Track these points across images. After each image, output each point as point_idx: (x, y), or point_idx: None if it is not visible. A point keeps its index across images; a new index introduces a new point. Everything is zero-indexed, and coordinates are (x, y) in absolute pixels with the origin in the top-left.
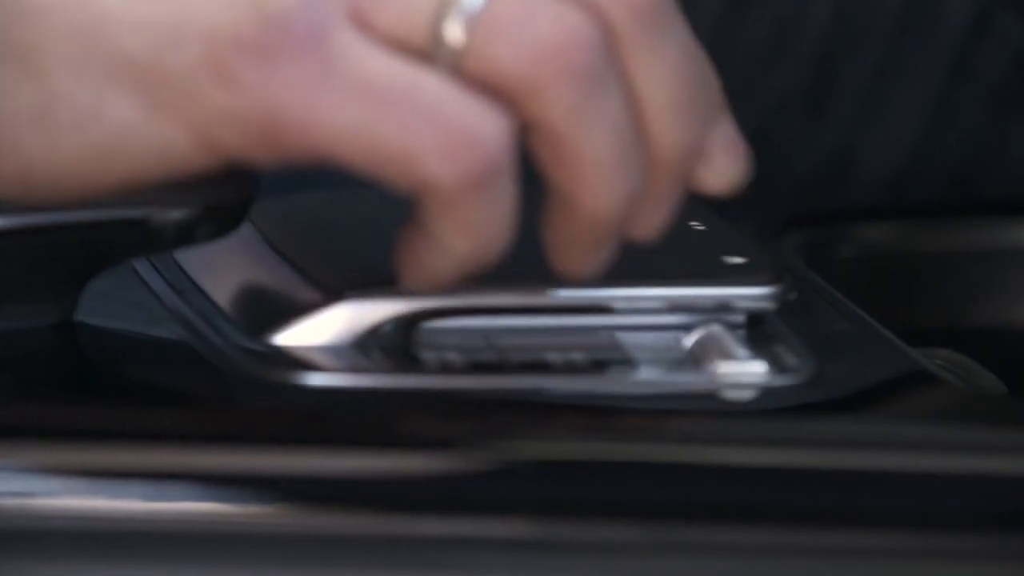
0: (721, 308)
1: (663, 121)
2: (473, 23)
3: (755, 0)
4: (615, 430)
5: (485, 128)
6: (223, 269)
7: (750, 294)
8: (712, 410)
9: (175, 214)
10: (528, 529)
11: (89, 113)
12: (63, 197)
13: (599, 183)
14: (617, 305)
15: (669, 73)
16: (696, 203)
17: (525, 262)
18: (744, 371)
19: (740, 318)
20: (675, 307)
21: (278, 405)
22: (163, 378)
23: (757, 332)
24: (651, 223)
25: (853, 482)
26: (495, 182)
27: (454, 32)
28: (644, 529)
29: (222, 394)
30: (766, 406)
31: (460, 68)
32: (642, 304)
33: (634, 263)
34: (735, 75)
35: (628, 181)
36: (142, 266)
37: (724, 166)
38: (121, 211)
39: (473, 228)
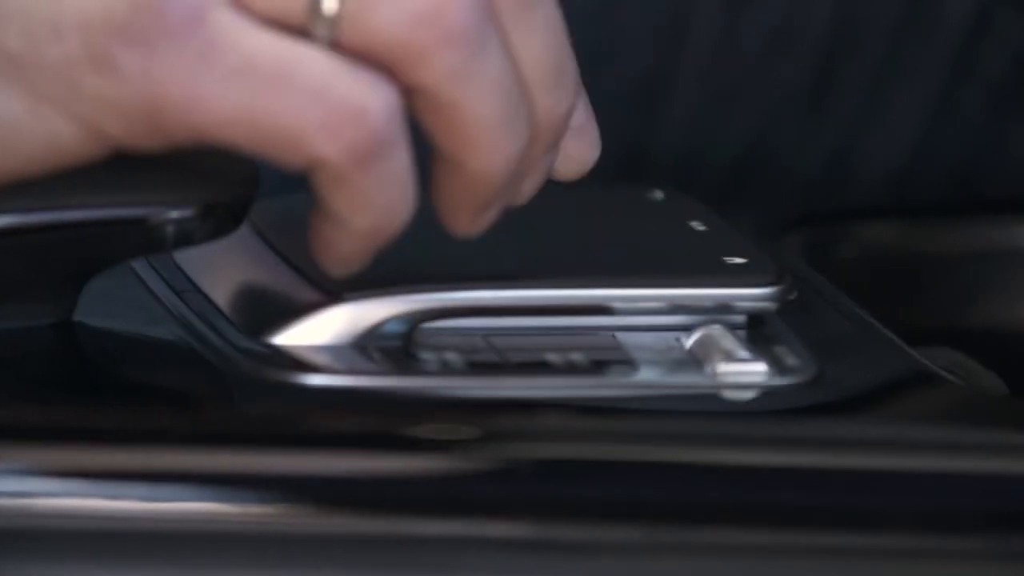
0: (721, 308)
1: (539, 87)
2: None
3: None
4: (615, 430)
5: (371, 100)
6: (222, 269)
7: (750, 294)
8: (712, 410)
9: (174, 214)
10: (528, 529)
11: None
12: None
13: (485, 144)
14: (617, 306)
15: (543, 41)
16: (696, 203)
17: (525, 262)
18: (744, 371)
19: (740, 318)
20: (675, 307)
21: (277, 405)
22: (162, 378)
23: (757, 332)
24: (525, 189)
25: (854, 482)
26: (386, 154)
27: (330, 4)
28: (644, 529)
29: (221, 394)
30: (766, 406)
31: (339, 41)
32: (642, 305)
33: (634, 263)
34: (736, 74)
35: (513, 142)
36: (141, 266)
37: (575, 151)
38: (120, 211)
39: (369, 203)
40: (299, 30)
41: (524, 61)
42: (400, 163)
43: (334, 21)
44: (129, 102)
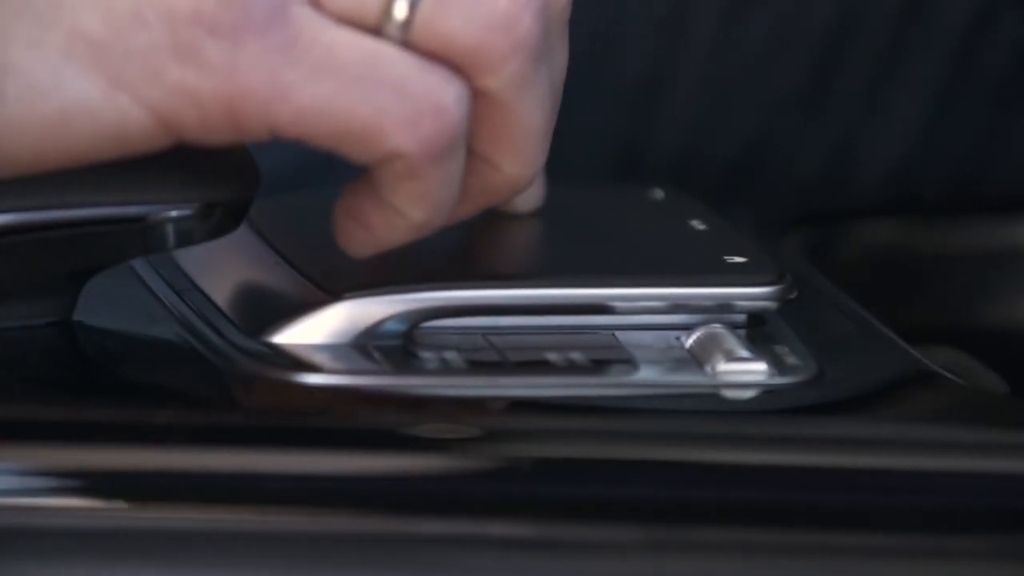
0: (721, 308)
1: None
2: None
3: None
4: (615, 429)
5: (448, 97)
6: (222, 269)
7: (751, 294)
8: (712, 410)
9: (174, 213)
10: (528, 528)
11: (44, 88)
12: (16, 169)
13: (527, 151)
14: (617, 305)
15: (565, 62)
16: (697, 202)
17: (525, 261)
18: (744, 371)
19: (741, 318)
20: (675, 307)
21: (277, 404)
22: (162, 377)
23: (758, 332)
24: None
25: (854, 481)
26: (456, 151)
27: (401, 7)
28: (644, 528)
29: (221, 393)
30: (766, 406)
31: (409, 42)
32: (642, 304)
33: (635, 262)
34: (737, 74)
35: (544, 153)
36: (141, 266)
37: (534, 188)
38: (120, 210)
39: (431, 197)
40: (372, 31)
41: (555, 82)
42: (461, 161)
43: (406, 24)
44: (210, 93)
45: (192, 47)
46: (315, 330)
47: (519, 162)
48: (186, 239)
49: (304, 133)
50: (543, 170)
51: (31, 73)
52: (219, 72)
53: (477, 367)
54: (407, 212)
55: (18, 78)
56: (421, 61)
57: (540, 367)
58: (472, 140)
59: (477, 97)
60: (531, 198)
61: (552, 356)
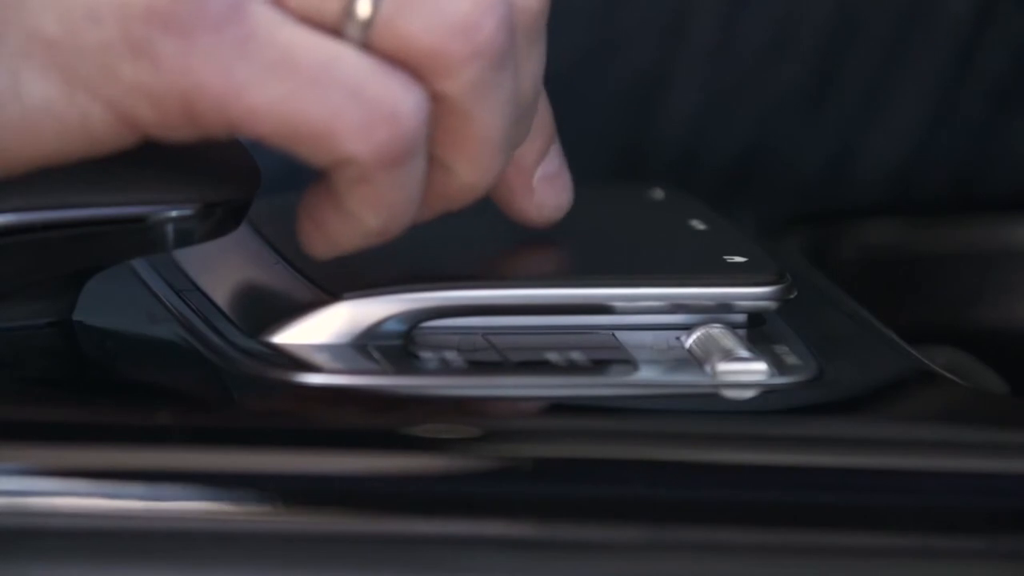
0: (722, 307)
1: (524, 114)
2: None
3: None
4: (615, 429)
5: (404, 103)
6: (222, 268)
7: (751, 293)
8: (712, 410)
9: (174, 213)
10: (528, 528)
11: (6, 93)
12: None
13: (484, 158)
14: (617, 304)
15: (538, 72)
16: (697, 202)
17: (525, 261)
18: (745, 370)
19: (741, 317)
20: (676, 306)
21: (277, 404)
22: (162, 377)
23: (758, 331)
24: None
25: (854, 481)
26: (411, 158)
27: (363, 7)
28: (644, 529)
29: (221, 393)
30: (766, 406)
31: (369, 43)
32: (642, 303)
33: (635, 262)
34: (736, 74)
35: (502, 162)
36: (140, 265)
37: (550, 197)
38: (120, 210)
39: (385, 204)
40: (331, 30)
41: (522, 86)
42: (419, 168)
43: (367, 24)
44: (165, 90)
45: (145, 44)
46: (315, 330)
47: (475, 169)
48: (186, 239)
49: (257, 132)
50: (569, 174)
51: None
52: (172, 69)
53: (477, 367)
54: (362, 217)
55: None
56: (380, 65)
57: (540, 367)
58: (430, 144)
59: (436, 101)
60: (560, 206)
61: (552, 356)
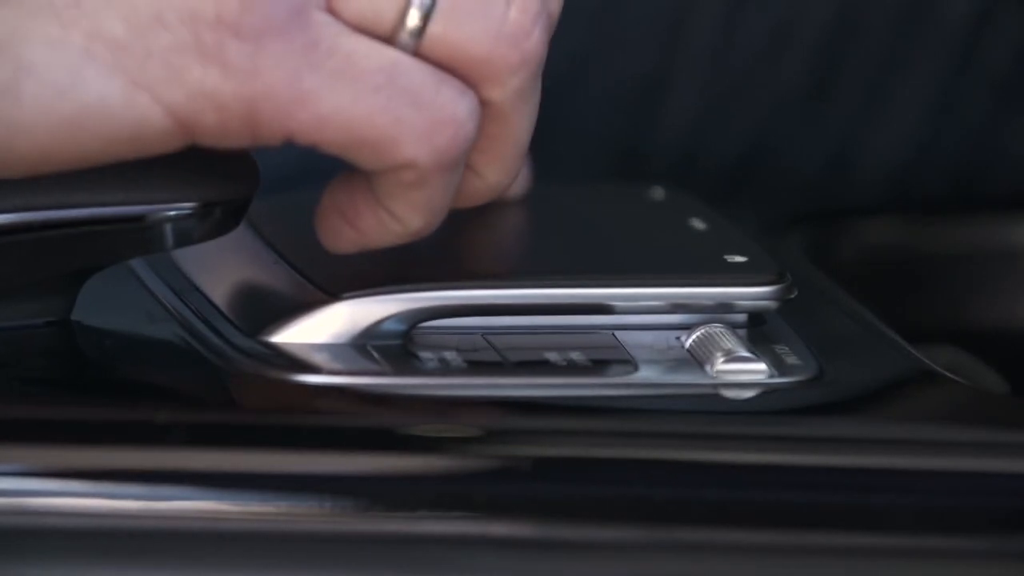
0: (722, 307)
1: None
2: (434, 6)
3: None
4: (615, 429)
5: (462, 109)
6: (221, 268)
7: (751, 293)
8: (712, 409)
9: (173, 213)
10: (528, 528)
11: (63, 88)
12: (25, 168)
13: (513, 160)
14: (617, 304)
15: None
16: (697, 201)
17: (525, 261)
18: (745, 370)
19: (741, 317)
20: (675, 306)
21: (276, 404)
22: (160, 377)
23: (758, 331)
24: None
25: (855, 481)
26: (461, 162)
27: (414, 17)
28: (644, 529)
29: (220, 393)
30: (767, 406)
31: (420, 50)
32: (642, 303)
33: (635, 262)
34: (736, 74)
35: (522, 162)
36: (140, 266)
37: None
38: (119, 210)
39: (432, 206)
40: (385, 38)
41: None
42: (461, 173)
43: (419, 32)
44: (232, 96)
45: (215, 49)
46: (314, 330)
47: (503, 171)
48: (185, 239)
49: (320, 139)
50: (530, 157)
51: (49, 73)
52: (242, 74)
53: (476, 367)
54: (406, 219)
55: (36, 78)
56: (436, 73)
57: (540, 367)
58: None
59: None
60: (519, 186)
61: (552, 356)
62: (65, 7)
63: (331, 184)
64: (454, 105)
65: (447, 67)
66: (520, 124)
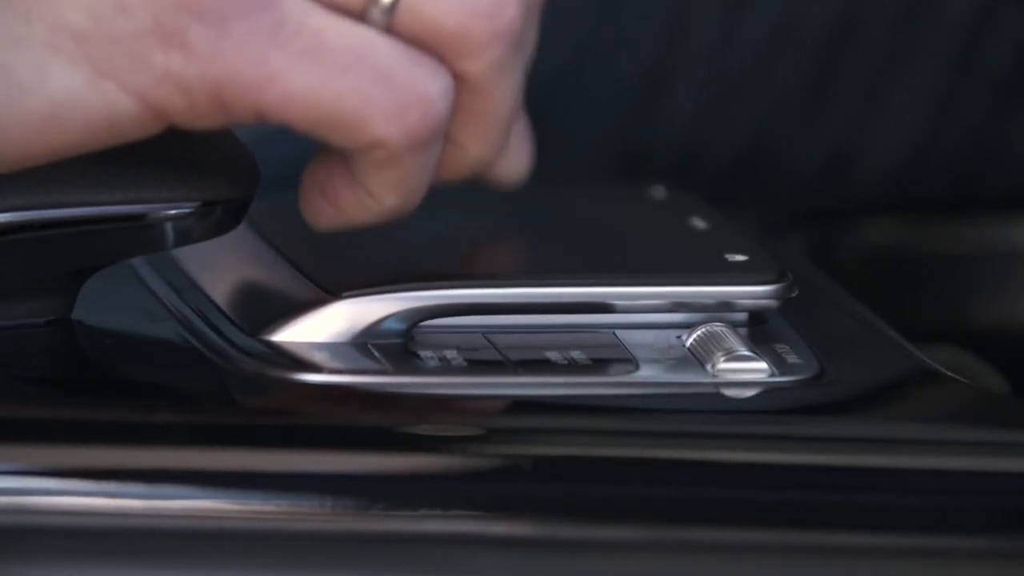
0: (723, 306)
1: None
2: None
3: None
4: (615, 428)
5: (434, 88)
6: (221, 267)
7: (752, 292)
8: (713, 409)
9: (174, 212)
10: (528, 527)
11: (31, 85)
12: (4, 166)
13: (494, 134)
14: (618, 303)
15: (532, 49)
16: (698, 200)
17: (525, 260)
18: (745, 369)
19: (742, 316)
20: (676, 305)
21: (276, 403)
22: (161, 376)
23: (759, 330)
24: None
25: (855, 481)
26: (436, 141)
27: None
28: (644, 529)
29: (220, 392)
30: (767, 405)
31: (392, 27)
32: (643, 302)
33: (635, 261)
34: (736, 74)
35: (505, 137)
36: (140, 265)
37: (515, 161)
38: (120, 209)
39: (406, 184)
40: (356, 15)
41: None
42: (438, 150)
43: (390, 8)
44: (197, 79)
45: (177, 33)
46: (315, 329)
47: (486, 145)
48: (186, 238)
49: (289, 118)
50: (531, 145)
51: (16, 71)
52: (205, 57)
53: (477, 366)
54: (381, 197)
55: (3, 78)
56: (408, 51)
57: (540, 366)
58: None
59: (456, 81)
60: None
61: (552, 355)
62: (25, 2)
63: (312, 161)
64: (426, 84)
65: (421, 42)
66: (500, 98)
